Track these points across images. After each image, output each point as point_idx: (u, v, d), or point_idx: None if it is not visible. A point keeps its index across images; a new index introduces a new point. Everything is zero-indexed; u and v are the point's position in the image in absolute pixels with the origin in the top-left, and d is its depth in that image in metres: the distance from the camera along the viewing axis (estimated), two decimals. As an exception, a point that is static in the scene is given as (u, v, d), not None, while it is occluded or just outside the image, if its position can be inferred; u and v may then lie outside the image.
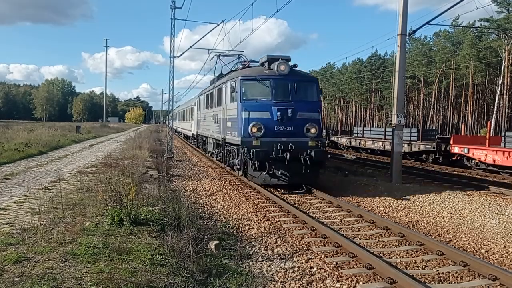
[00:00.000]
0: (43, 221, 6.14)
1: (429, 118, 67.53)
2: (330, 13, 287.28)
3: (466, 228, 8.47)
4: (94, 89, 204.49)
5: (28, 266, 4.36)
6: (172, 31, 21.08)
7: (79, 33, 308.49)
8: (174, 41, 23.45)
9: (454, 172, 17.53)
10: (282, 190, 12.19)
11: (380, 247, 6.95)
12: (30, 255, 4.71)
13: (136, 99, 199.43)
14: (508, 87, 51.47)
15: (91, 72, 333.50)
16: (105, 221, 6.26)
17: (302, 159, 11.41)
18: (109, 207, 6.51)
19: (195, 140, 28.34)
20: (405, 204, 10.72)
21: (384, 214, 9.76)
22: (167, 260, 4.93)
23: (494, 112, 50.36)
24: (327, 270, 5.78)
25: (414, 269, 5.92)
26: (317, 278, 5.51)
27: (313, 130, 11.97)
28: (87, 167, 13.85)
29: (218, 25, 20.78)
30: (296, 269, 5.81)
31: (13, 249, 4.86)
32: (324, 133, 36.48)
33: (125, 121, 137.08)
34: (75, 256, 4.74)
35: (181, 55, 36.13)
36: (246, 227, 8.06)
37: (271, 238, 7.32)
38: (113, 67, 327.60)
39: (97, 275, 4.21)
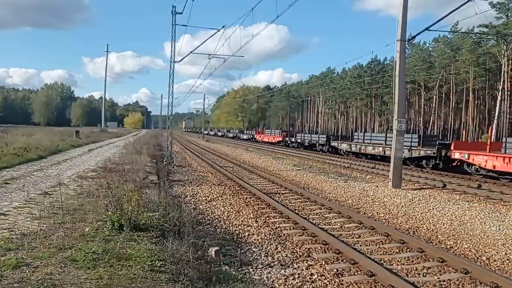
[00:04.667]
0: (43, 226, 6.12)
1: (430, 124, 67.52)
2: (330, 18, 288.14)
3: (467, 235, 8.45)
4: (93, 94, 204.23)
5: (27, 271, 4.33)
6: (173, 37, 21.14)
7: (79, 38, 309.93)
8: (175, 46, 23.47)
9: (454, 178, 17.50)
10: (283, 196, 12.19)
11: (380, 254, 6.92)
12: (30, 260, 4.68)
13: (135, 104, 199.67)
14: (508, 93, 51.46)
15: (91, 76, 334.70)
16: (105, 227, 6.23)
17: None
18: (109, 213, 6.48)
19: None
20: (405, 211, 10.70)
21: (384, 220, 9.73)
22: (167, 266, 4.90)
23: (495, 117, 50.35)
24: (328, 277, 5.75)
25: (415, 277, 5.89)
26: (318, 285, 5.49)
27: None
28: (87, 172, 13.82)
29: (219, 30, 20.82)
30: (296, 276, 5.78)
31: (12, 255, 4.83)
32: (325, 139, 36.51)
33: (124, 126, 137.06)
34: (75, 261, 4.71)
35: (181, 60, 36.29)
36: (246, 233, 8.02)
37: (272, 244, 7.29)
38: (113, 72, 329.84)
39: (97, 281, 4.18)
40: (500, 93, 51.07)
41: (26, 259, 4.71)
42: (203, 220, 9.00)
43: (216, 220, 9.16)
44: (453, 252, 7.20)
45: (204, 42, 23.08)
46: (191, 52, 24.11)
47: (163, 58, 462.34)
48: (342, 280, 5.63)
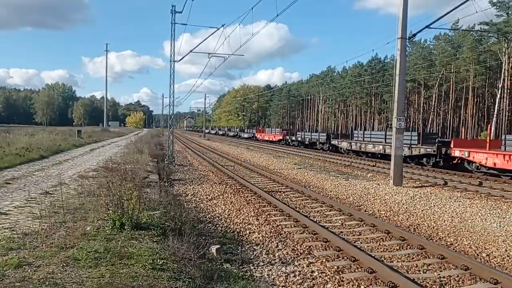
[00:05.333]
0: (44, 225, 6.13)
1: (430, 122, 67.50)
2: (331, 17, 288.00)
3: (467, 231, 8.46)
4: (95, 94, 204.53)
5: (29, 271, 4.35)
6: (173, 36, 21.13)
7: (79, 37, 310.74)
8: (174, 45, 23.48)
9: (455, 176, 17.50)
10: (284, 194, 12.21)
11: (381, 251, 6.94)
12: (31, 259, 4.70)
13: (136, 104, 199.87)
14: (508, 90, 51.42)
15: (92, 76, 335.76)
16: (106, 226, 6.24)
17: None
18: (111, 212, 6.50)
19: None
20: (406, 208, 10.71)
21: (385, 217, 9.75)
22: (168, 265, 4.92)
23: (495, 115, 50.33)
24: (329, 274, 5.77)
25: (415, 273, 5.91)
26: (319, 283, 5.50)
27: None
28: (88, 172, 13.85)
29: (218, 29, 20.80)
30: (297, 273, 5.80)
31: (14, 254, 4.86)
32: (325, 137, 36.50)
33: (126, 125, 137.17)
34: (76, 260, 4.73)
35: (181, 59, 36.21)
36: (247, 231, 8.04)
37: (272, 242, 7.31)
38: (113, 71, 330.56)
39: (98, 280, 4.20)
40: (499, 90, 51.01)
41: (28, 259, 4.73)
42: (204, 219, 9.02)
43: (217, 218, 9.18)
44: (454, 249, 7.22)
45: (204, 40, 23.11)
46: (190, 51, 24.13)
47: (162, 58, 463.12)
48: (343, 277, 5.64)
